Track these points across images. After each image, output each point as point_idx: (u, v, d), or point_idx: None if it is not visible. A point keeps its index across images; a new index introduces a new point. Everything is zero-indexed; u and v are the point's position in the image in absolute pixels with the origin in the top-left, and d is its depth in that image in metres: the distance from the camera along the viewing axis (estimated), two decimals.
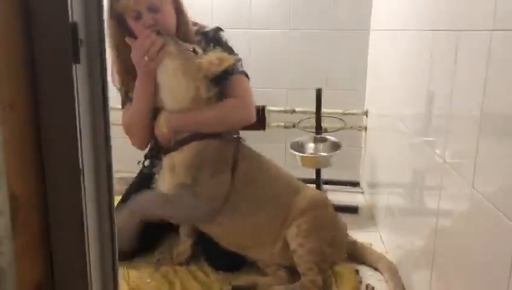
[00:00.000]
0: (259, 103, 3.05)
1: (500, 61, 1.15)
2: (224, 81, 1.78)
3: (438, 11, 1.64)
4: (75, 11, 0.70)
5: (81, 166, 0.73)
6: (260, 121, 3.02)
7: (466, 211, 1.33)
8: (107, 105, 0.76)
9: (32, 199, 0.73)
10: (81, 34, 0.71)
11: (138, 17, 1.69)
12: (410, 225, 1.91)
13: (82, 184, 0.74)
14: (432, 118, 1.67)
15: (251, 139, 3.20)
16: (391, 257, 2.16)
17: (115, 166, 1.84)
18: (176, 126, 1.70)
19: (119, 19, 1.72)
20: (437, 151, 1.57)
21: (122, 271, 1.96)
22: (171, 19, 1.75)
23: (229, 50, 1.84)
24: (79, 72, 0.71)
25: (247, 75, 1.85)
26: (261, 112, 3.00)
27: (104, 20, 0.73)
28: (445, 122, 1.53)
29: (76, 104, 0.71)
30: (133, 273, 1.95)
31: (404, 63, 2.10)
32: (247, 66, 3.11)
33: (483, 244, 1.21)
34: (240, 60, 1.86)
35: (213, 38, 1.84)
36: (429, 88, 1.70)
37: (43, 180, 0.74)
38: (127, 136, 1.86)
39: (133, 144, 1.88)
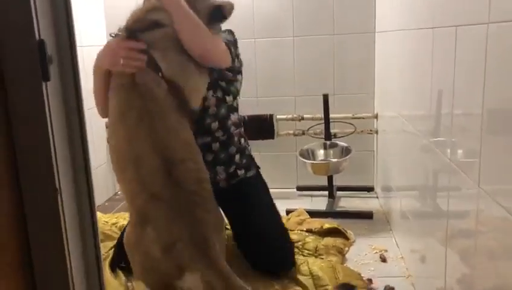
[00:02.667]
0: (267, 112, 3.04)
1: (497, 54, 1.10)
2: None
3: (436, 8, 1.60)
4: (43, 28, 0.69)
5: (57, 185, 0.72)
6: (269, 129, 3.00)
7: (473, 211, 1.28)
8: (83, 120, 0.75)
9: (10, 222, 0.71)
10: (51, 51, 0.70)
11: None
12: (423, 228, 1.85)
13: (60, 204, 0.73)
14: (437, 117, 1.62)
15: (261, 148, 3.19)
16: (406, 262, 2.10)
17: None
18: (176, 3, 1.61)
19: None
20: (444, 151, 1.52)
21: (130, 285, 1.96)
22: None
23: (231, 35, 1.86)
24: (50, 90, 0.70)
25: (229, 47, 1.80)
26: (269, 120, 2.98)
27: (74, 36, 0.72)
28: (449, 121, 1.48)
29: (48, 121, 0.69)
30: (139, 285, 1.94)
31: (408, 63, 2.06)
32: (253, 75, 3.11)
33: (492, 244, 1.16)
34: (231, 41, 1.84)
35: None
36: (432, 87, 1.65)
37: (21, 202, 0.73)
38: None
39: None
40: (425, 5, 1.74)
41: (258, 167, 2.03)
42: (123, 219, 2.59)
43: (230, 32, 1.94)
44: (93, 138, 3.07)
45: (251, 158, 2.01)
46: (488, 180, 1.17)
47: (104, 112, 1.73)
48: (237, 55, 1.89)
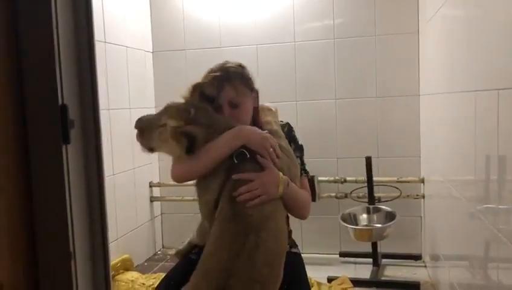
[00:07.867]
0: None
1: None
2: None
3: (478, 71, 1.55)
4: (66, 93, 0.70)
5: (72, 249, 0.71)
6: (310, 191, 2.93)
7: None
8: (103, 183, 0.74)
9: (21, 286, 0.70)
10: (74, 115, 0.72)
11: (218, 109, 1.77)
12: None
13: (73, 269, 0.71)
14: (482, 183, 1.52)
15: None
16: None
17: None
18: (289, 192, 1.67)
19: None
20: (489, 220, 1.42)
21: None
22: (247, 116, 1.82)
23: (300, 149, 1.88)
24: (70, 153, 0.71)
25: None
26: (310, 182, 2.92)
27: (98, 100, 0.74)
28: (495, 187, 1.39)
29: (66, 183, 0.69)
30: None
31: (452, 126, 1.98)
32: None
33: None
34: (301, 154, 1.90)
35: (288, 135, 1.88)
36: (476, 151, 1.57)
37: (34, 266, 0.72)
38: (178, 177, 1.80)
39: (178, 178, 1.80)
40: (467, 68, 1.70)
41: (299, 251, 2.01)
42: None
43: (291, 127, 1.95)
44: (137, 196, 3.12)
45: (294, 241, 2.00)
46: None
47: (183, 178, 1.77)
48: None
